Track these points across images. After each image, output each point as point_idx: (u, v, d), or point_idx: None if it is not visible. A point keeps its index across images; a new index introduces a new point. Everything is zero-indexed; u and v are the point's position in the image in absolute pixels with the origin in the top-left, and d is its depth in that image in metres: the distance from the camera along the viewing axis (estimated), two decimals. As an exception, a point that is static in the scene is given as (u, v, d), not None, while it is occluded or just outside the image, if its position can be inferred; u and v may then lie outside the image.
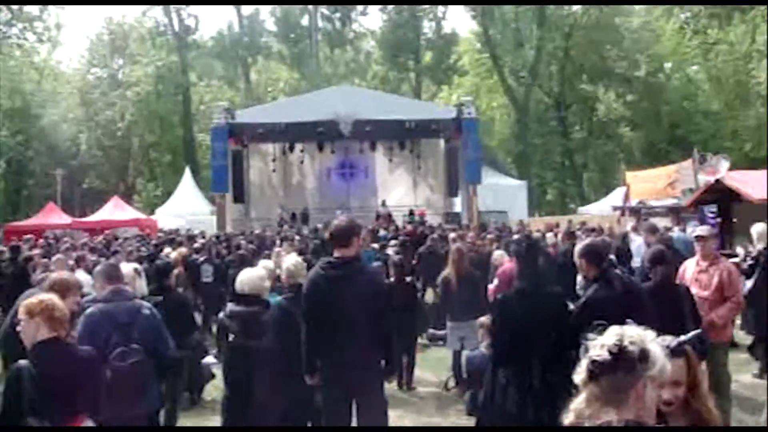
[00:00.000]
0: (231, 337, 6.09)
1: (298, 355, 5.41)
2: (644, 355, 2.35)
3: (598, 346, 2.41)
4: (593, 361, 2.38)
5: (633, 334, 2.40)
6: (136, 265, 6.61)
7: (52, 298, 4.29)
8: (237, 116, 32.40)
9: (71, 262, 11.70)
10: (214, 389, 9.62)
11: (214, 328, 14.52)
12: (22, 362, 3.98)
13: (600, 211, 32.54)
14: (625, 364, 2.33)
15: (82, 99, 57.40)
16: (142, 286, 6.40)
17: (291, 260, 6.49)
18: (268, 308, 6.05)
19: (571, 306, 5.47)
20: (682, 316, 5.72)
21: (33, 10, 53.38)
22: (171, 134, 56.74)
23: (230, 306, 6.24)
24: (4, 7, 51.80)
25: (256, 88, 62.91)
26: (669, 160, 39.63)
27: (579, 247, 5.50)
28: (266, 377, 5.79)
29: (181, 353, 7.12)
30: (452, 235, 16.18)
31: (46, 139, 58.26)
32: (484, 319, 7.70)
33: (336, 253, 5.43)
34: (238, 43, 61.56)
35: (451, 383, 9.59)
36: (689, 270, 7.39)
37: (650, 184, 21.56)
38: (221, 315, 6.40)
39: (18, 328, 4.13)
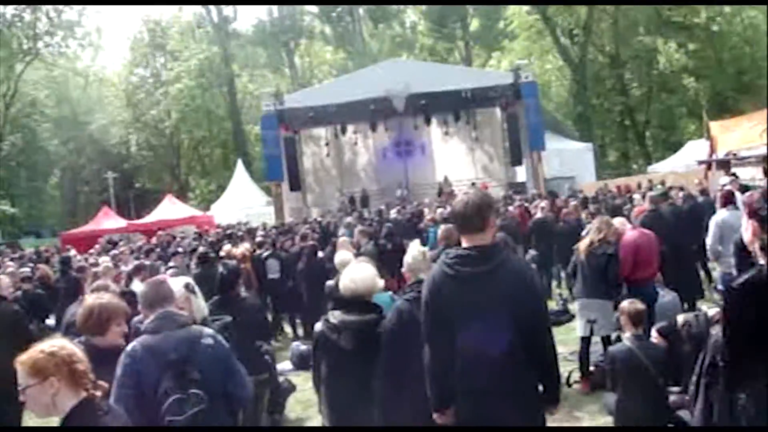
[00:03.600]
0: (337, 355, 4.60)
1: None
2: None
3: None
4: None
5: None
6: (187, 279, 5.08)
7: (64, 344, 3.01)
8: (285, 102, 31.22)
9: (125, 268, 10.63)
10: (298, 404, 8.36)
11: (287, 328, 13.53)
12: None
13: (673, 168, 30.70)
14: None
15: (128, 101, 57.16)
16: (199, 306, 4.89)
17: (414, 250, 4.96)
18: (383, 317, 4.57)
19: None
20: None
21: (72, 16, 52.97)
22: (219, 128, 56.06)
23: (338, 314, 4.69)
24: (43, 16, 51.49)
25: (302, 72, 61.71)
26: (738, 110, 37.66)
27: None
28: (387, 408, 4.35)
29: (258, 378, 5.87)
30: (543, 203, 14.72)
31: (96, 145, 58.33)
32: (627, 305, 6.20)
33: (465, 242, 3.91)
34: (279, 28, 60.19)
35: (575, 376, 8.15)
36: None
37: (740, 133, 19.74)
38: (320, 326, 4.83)
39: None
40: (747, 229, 3.79)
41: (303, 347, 10.63)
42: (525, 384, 3.78)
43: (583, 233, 9.24)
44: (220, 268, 6.73)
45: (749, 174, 19.35)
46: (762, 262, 3.60)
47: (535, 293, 3.90)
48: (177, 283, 4.68)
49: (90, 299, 4.15)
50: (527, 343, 3.73)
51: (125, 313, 4.15)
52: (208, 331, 3.96)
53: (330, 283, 8.30)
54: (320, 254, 12.39)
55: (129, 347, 3.69)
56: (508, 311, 3.70)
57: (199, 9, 58.03)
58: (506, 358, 3.69)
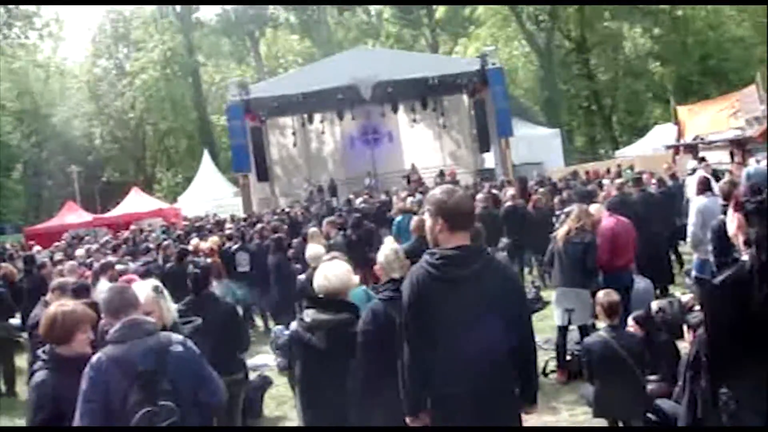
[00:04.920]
0: (311, 355, 4.45)
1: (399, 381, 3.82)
2: None
3: None
4: None
5: None
6: (155, 282, 4.90)
7: None
8: (251, 92, 30.94)
9: (96, 265, 10.38)
10: (272, 401, 8.20)
11: (259, 321, 13.35)
12: None
13: (640, 152, 30.87)
14: None
15: (91, 92, 56.20)
16: (169, 309, 4.69)
17: (386, 248, 4.75)
18: (359, 316, 4.41)
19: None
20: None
21: (29, 6, 51.80)
22: (185, 119, 55.27)
23: (311, 313, 4.52)
24: (0, 7, 50.35)
25: (268, 61, 61.10)
26: (703, 93, 37.94)
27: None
28: (362, 411, 4.21)
29: (233, 378, 5.71)
30: (511, 191, 14.64)
31: (59, 138, 57.26)
32: (602, 296, 6.14)
33: (450, 240, 3.71)
34: (243, 17, 59.42)
35: (551, 366, 8.08)
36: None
37: (707, 117, 19.84)
38: (294, 326, 4.71)
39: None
40: (732, 221, 3.67)
41: (287, 333, 10.39)
42: (504, 385, 3.68)
43: (558, 220, 9.16)
44: (191, 267, 6.54)
45: (717, 158, 19.50)
46: (744, 257, 3.48)
47: (521, 294, 3.83)
48: (144, 286, 4.50)
49: (53, 307, 3.93)
50: (513, 345, 3.62)
51: (91, 319, 3.95)
52: (177, 337, 3.78)
53: (301, 277, 8.15)
54: (290, 246, 12.22)
55: (94, 358, 3.50)
56: (496, 313, 3.58)
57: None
58: (490, 360, 3.58)
